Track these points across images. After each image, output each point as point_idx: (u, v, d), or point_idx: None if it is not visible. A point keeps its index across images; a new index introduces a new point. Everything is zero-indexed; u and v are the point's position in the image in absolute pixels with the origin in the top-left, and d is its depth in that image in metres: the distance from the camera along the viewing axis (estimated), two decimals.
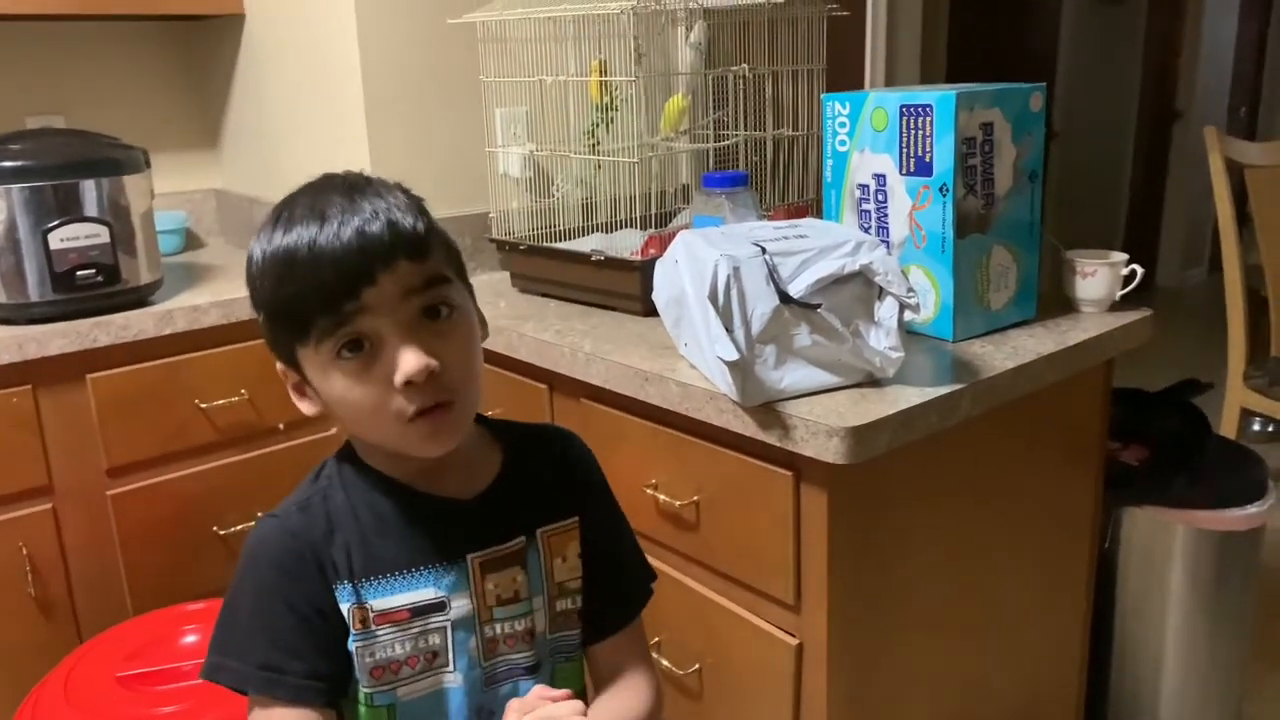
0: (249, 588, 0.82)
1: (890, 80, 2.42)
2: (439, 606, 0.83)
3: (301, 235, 0.75)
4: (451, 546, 0.84)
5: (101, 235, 1.64)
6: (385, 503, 0.84)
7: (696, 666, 1.34)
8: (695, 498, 1.28)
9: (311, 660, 0.80)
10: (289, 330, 0.78)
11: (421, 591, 0.83)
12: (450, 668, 0.84)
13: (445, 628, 0.83)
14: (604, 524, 0.95)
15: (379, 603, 0.82)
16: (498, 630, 0.86)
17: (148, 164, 1.75)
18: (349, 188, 0.79)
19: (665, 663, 1.36)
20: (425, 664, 0.83)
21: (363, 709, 0.83)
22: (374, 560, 0.82)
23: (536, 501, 0.89)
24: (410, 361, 0.75)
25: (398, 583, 0.82)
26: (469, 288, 0.84)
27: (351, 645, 0.82)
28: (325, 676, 0.81)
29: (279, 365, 0.83)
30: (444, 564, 0.84)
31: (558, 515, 0.91)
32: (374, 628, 0.82)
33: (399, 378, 0.75)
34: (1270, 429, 3.35)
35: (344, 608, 0.81)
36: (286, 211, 0.78)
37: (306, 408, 0.83)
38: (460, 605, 0.84)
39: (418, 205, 0.80)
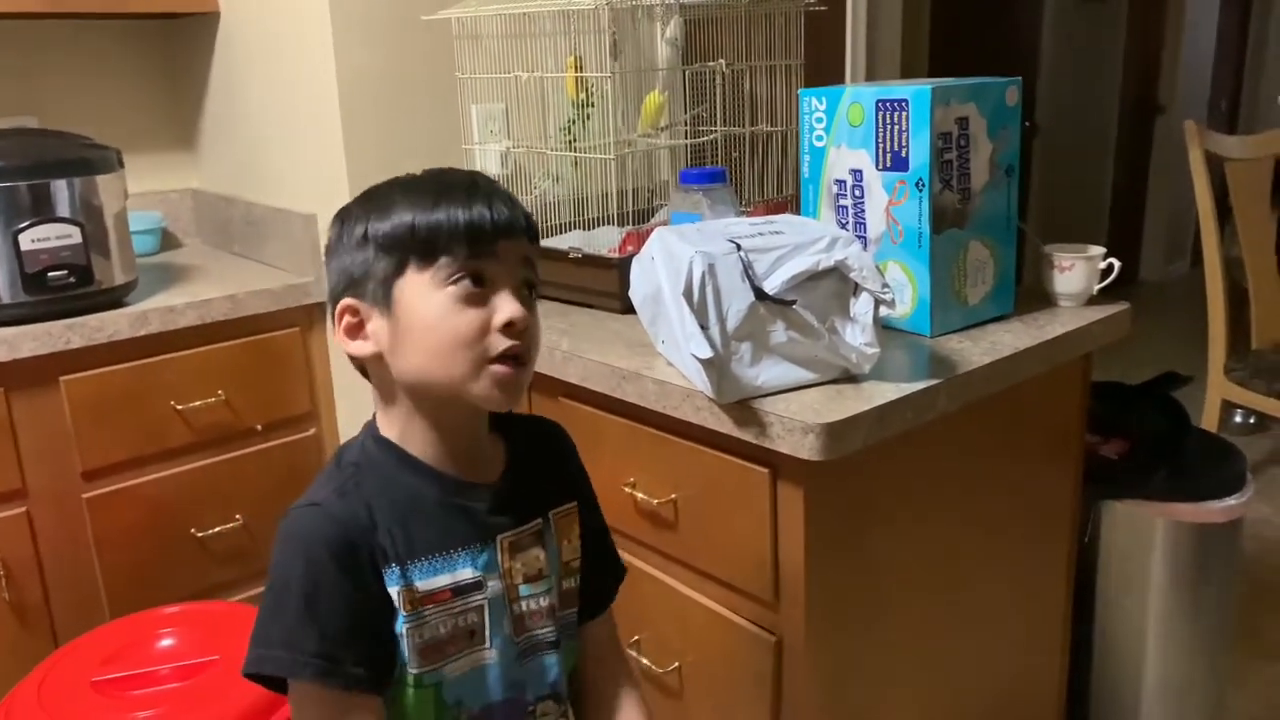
0: (298, 576, 0.83)
1: (871, 75, 2.42)
2: (477, 586, 0.87)
3: (458, 180, 0.86)
4: (483, 528, 0.89)
5: (74, 236, 1.62)
6: (418, 485, 0.88)
7: (676, 665, 1.34)
8: (673, 496, 1.28)
9: (365, 647, 0.83)
10: (413, 252, 0.84)
11: (461, 572, 0.87)
12: (487, 644, 0.89)
13: (483, 606, 0.88)
14: (592, 510, 1.02)
15: (424, 584, 0.85)
16: (525, 607, 0.91)
17: (121, 164, 1.73)
18: (488, 178, 0.90)
19: (645, 661, 1.36)
20: (466, 642, 0.87)
21: (410, 690, 0.85)
22: (416, 542, 0.86)
23: (543, 486, 0.96)
24: (517, 307, 0.84)
25: (439, 564, 0.86)
26: None
27: (401, 627, 0.84)
28: (378, 663, 0.84)
29: (346, 302, 0.87)
30: (478, 545, 0.88)
31: (561, 499, 0.98)
32: (421, 609, 0.85)
33: (501, 318, 0.84)
34: (1251, 421, 3.37)
35: (393, 591, 0.84)
36: (436, 175, 0.88)
37: (357, 348, 0.87)
38: (494, 584, 0.89)
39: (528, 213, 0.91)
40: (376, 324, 0.86)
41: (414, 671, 0.85)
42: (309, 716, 0.84)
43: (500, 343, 0.84)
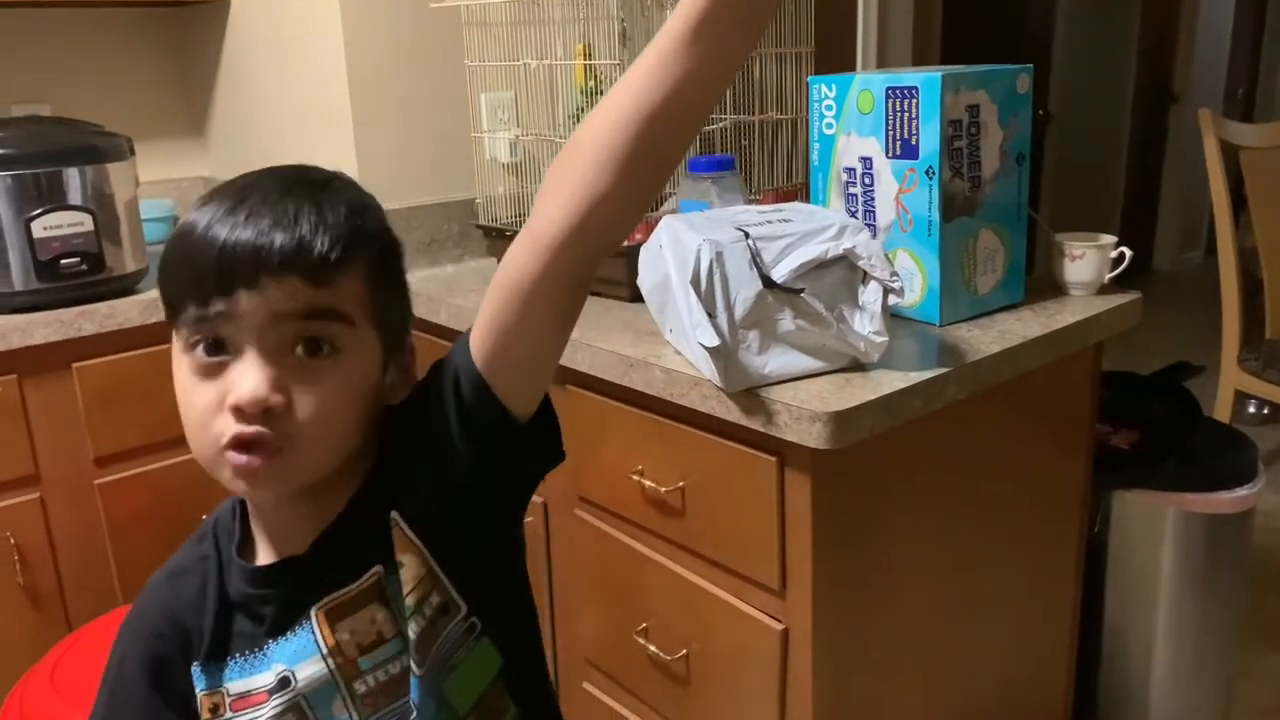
0: (111, 668, 0.76)
1: (882, 63, 2.40)
2: (284, 683, 0.72)
3: (208, 213, 0.67)
4: (292, 607, 0.72)
5: (85, 223, 1.63)
6: (236, 567, 0.74)
7: (683, 652, 1.34)
8: (681, 484, 1.28)
9: None
10: (166, 305, 0.69)
11: (272, 669, 0.72)
12: None
13: (299, 703, 0.72)
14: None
15: (237, 685, 0.73)
16: (370, 683, 0.73)
17: (132, 151, 1.74)
18: (290, 183, 0.69)
19: (652, 648, 1.36)
20: None
21: None
22: (233, 637, 0.73)
23: (387, 512, 0.72)
24: (247, 386, 0.65)
25: (255, 661, 0.73)
26: (397, 344, 0.73)
27: None
28: None
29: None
30: (288, 630, 0.72)
31: (402, 511, 0.72)
32: (229, 714, 0.73)
33: (230, 399, 0.65)
34: (1265, 411, 3.35)
35: (197, 691, 0.73)
36: (224, 186, 0.70)
37: None
38: (310, 672, 0.72)
39: (355, 230, 0.68)
40: None
41: None
42: None
43: (229, 427, 0.65)
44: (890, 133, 1.32)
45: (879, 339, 1.16)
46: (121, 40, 2.19)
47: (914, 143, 1.29)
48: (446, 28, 1.76)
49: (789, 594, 1.19)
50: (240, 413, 0.65)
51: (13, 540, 1.61)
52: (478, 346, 0.69)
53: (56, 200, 1.61)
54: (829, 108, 1.40)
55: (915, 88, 1.27)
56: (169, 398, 1.90)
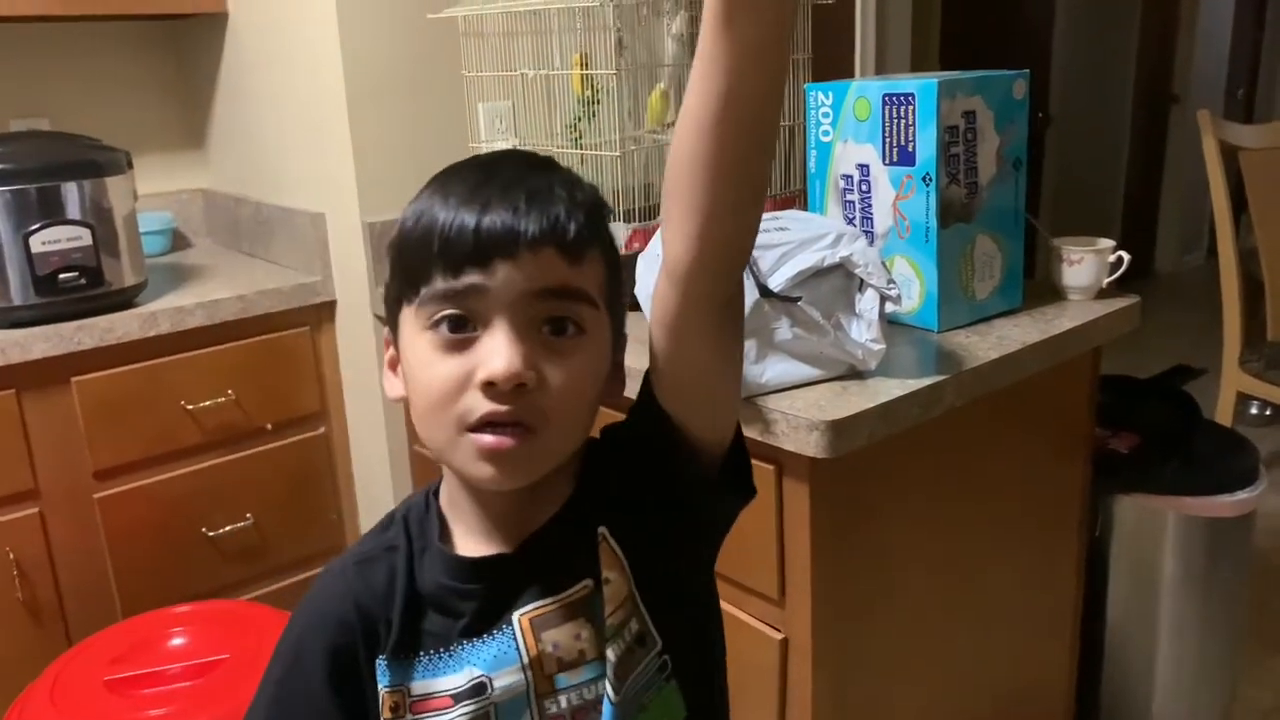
0: (282, 656, 0.73)
1: (881, 70, 2.40)
2: (478, 689, 0.69)
3: (454, 189, 0.66)
4: (494, 609, 0.70)
5: (83, 238, 1.63)
6: (437, 561, 0.71)
7: None
8: None
9: None
10: (403, 279, 0.67)
11: (464, 671, 0.69)
12: None
13: (488, 712, 0.69)
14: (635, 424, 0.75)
15: (420, 685, 0.70)
16: (564, 704, 0.69)
17: (130, 165, 1.74)
18: (537, 162, 0.70)
19: None
20: None
21: None
22: (422, 634, 0.70)
23: (595, 529, 0.71)
24: (501, 361, 0.62)
25: (442, 662, 0.70)
26: (618, 334, 0.73)
27: None
28: None
29: (386, 332, 0.73)
30: (487, 633, 0.70)
31: (612, 529, 0.71)
32: (410, 716, 0.70)
33: (482, 373, 0.63)
34: (1267, 413, 3.34)
35: (380, 687, 0.70)
36: (459, 167, 0.70)
37: (391, 388, 0.72)
38: (508, 681, 0.69)
39: (598, 213, 0.69)
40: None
41: None
42: None
43: (479, 405, 0.63)
44: (887, 139, 1.32)
45: (876, 346, 1.15)
46: (120, 54, 2.20)
47: (911, 149, 1.29)
48: (444, 38, 1.76)
49: (788, 603, 1.19)
50: (492, 389, 0.63)
51: (12, 555, 1.61)
52: (655, 383, 0.69)
53: (55, 214, 1.61)
54: (826, 115, 1.40)
55: (911, 94, 1.27)
56: (168, 411, 1.89)
